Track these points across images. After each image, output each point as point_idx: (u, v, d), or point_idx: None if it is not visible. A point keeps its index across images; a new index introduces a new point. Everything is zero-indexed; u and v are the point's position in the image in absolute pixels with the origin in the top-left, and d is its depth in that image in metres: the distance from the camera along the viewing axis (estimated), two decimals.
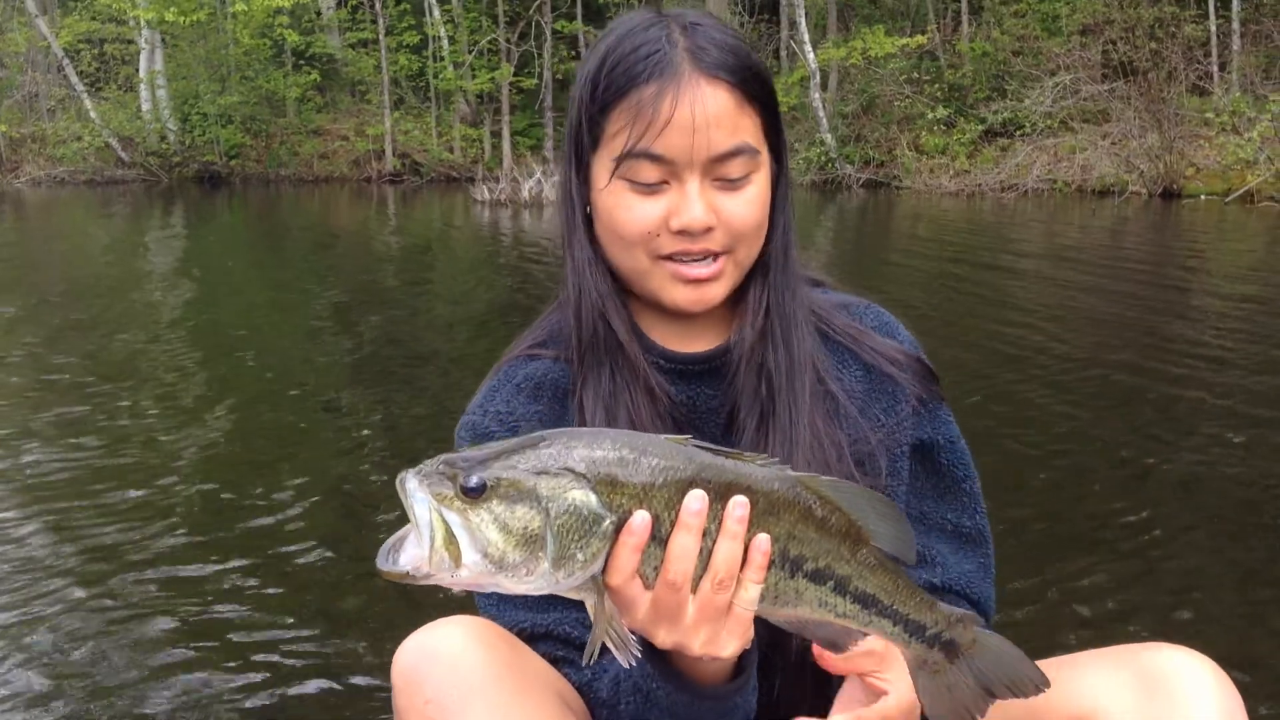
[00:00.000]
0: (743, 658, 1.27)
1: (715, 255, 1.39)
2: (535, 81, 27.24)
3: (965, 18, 24.50)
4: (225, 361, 7.26)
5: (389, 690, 1.32)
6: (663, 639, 1.16)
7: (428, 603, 3.12)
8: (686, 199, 1.36)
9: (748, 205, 1.39)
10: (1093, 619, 3.29)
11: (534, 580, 1.08)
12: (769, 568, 1.15)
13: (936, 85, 23.24)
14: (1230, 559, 3.75)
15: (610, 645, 1.13)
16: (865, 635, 1.23)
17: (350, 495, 4.51)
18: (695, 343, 1.49)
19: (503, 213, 18.73)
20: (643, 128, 1.34)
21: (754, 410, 1.43)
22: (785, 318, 1.46)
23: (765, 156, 1.42)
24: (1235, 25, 21.12)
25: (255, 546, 3.90)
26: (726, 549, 1.13)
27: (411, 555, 1.07)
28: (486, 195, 20.16)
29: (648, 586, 1.13)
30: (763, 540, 1.14)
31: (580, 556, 1.09)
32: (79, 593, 3.51)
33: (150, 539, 3.97)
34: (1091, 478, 4.62)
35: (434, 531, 1.06)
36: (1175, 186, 18.70)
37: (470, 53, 27.58)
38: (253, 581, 3.63)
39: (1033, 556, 3.73)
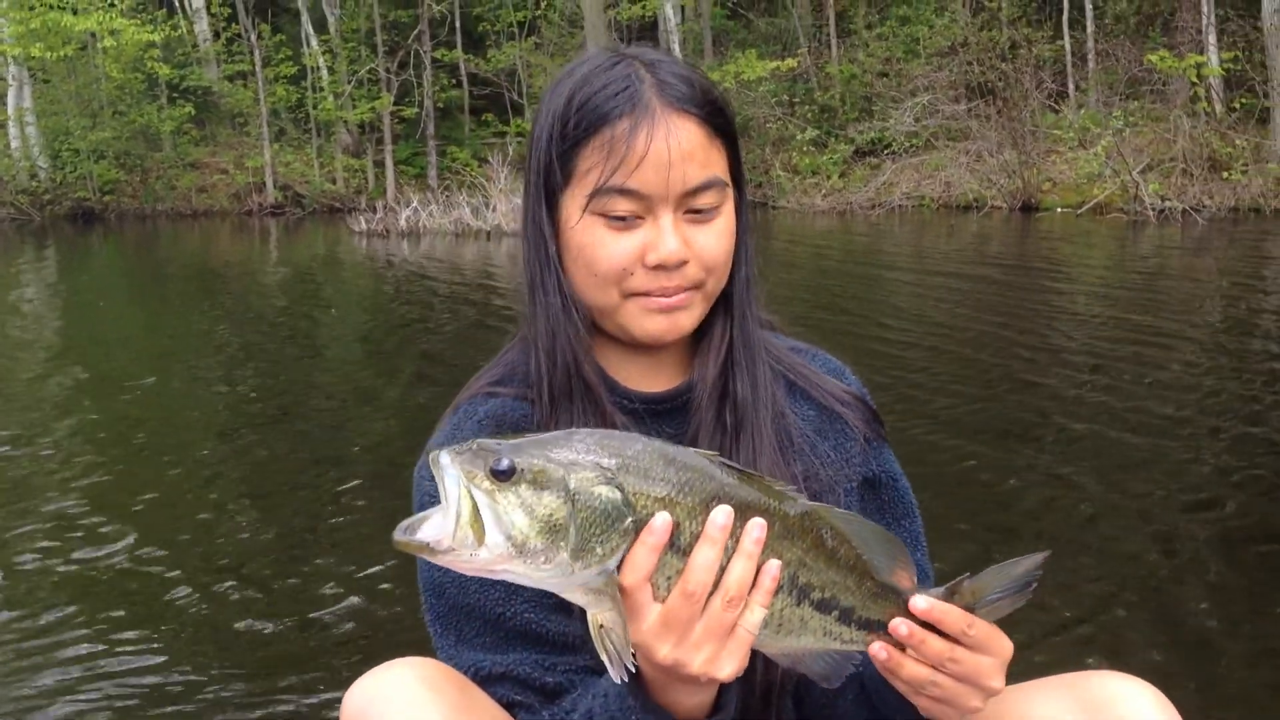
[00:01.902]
0: (722, 695, 1.28)
1: (686, 288, 1.40)
2: (416, 110, 27.29)
3: (834, 41, 25.28)
4: (108, 413, 6.99)
5: None
6: (665, 654, 1.15)
7: (377, 646, 3.19)
8: (661, 233, 1.36)
9: (719, 237, 1.40)
10: (1028, 643, 3.30)
11: (550, 570, 1.09)
12: (777, 593, 1.16)
13: (807, 107, 23.95)
14: (1148, 570, 3.91)
15: (605, 656, 1.13)
16: (857, 659, 1.26)
17: (275, 537, 4.48)
18: (656, 382, 1.49)
19: (381, 243, 18.77)
20: (616, 163, 1.34)
21: (713, 443, 1.44)
22: (750, 347, 1.47)
23: (731, 190, 1.43)
24: (1091, 44, 22.19)
25: (191, 598, 3.88)
26: (740, 568, 1.14)
27: (435, 528, 1.08)
28: (364, 226, 20.13)
29: (658, 597, 1.14)
30: (773, 565, 1.15)
31: (599, 551, 1.10)
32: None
33: (71, 595, 3.92)
34: (1011, 488, 4.85)
35: (461, 507, 1.07)
36: (1033, 200, 19.58)
37: (349, 83, 27.51)
38: (191, 633, 3.59)
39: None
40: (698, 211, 1.38)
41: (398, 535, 1.08)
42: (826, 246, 15.90)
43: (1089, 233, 16.29)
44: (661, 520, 1.11)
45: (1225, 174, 17.91)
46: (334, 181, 27.32)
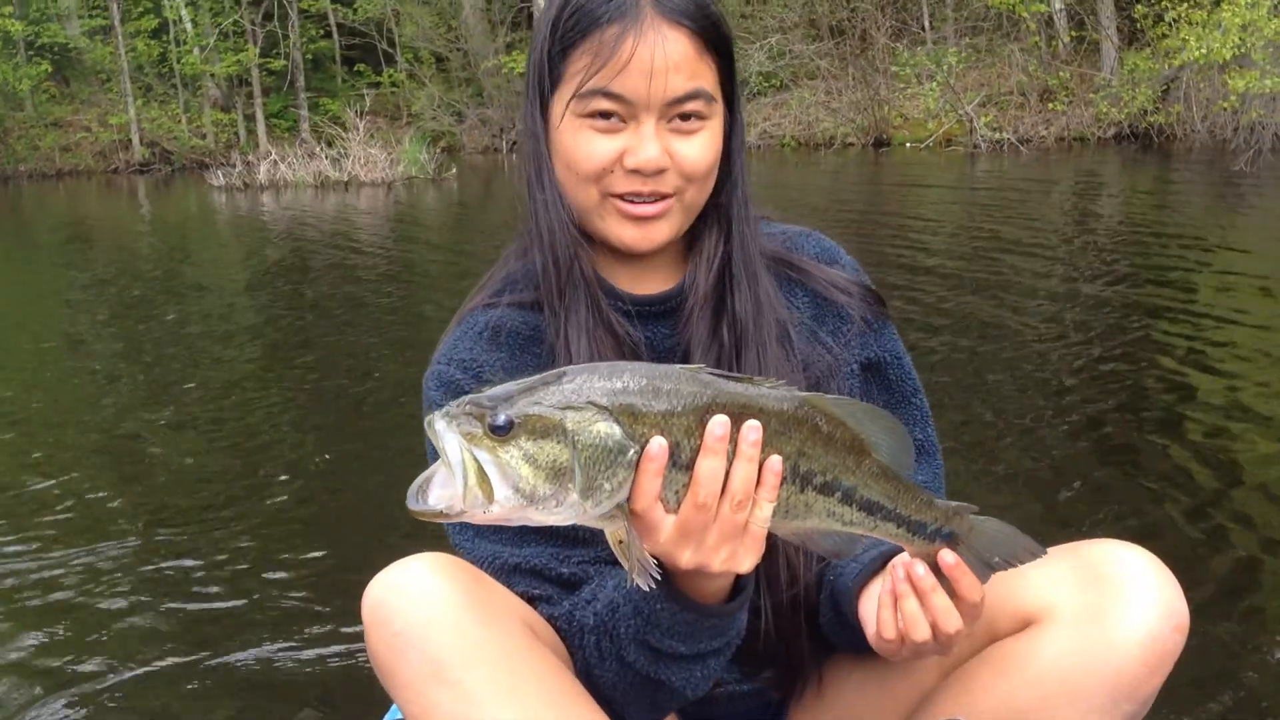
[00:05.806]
0: (740, 578, 1.32)
1: (664, 196, 1.44)
2: (285, 63, 27.07)
3: None
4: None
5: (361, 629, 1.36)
6: (687, 560, 1.21)
7: (395, 539, 3.28)
8: (642, 139, 1.40)
9: (701, 149, 1.43)
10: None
11: (563, 511, 1.13)
12: (780, 484, 1.20)
13: None
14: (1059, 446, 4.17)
15: (630, 569, 1.18)
16: (865, 540, 1.31)
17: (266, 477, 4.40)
18: (648, 285, 1.53)
19: (242, 197, 18.77)
20: (601, 66, 1.37)
21: (711, 350, 1.48)
22: (750, 264, 1.50)
23: (720, 105, 1.46)
24: None
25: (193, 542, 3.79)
26: (743, 471, 1.18)
27: (443, 494, 1.11)
28: (223, 180, 20.08)
29: (669, 510, 1.19)
30: (775, 461, 1.19)
31: (608, 486, 1.14)
32: None
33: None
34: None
35: (466, 470, 1.10)
36: (885, 136, 20.37)
37: (213, 36, 27.16)
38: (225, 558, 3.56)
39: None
40: (683, 119, 1.41)
41: (411, 504, 1.12)
42: None
43: (927, 164, 17.11)
44: (658, 445, 1.14)
45: (1051, 105, 18.81)
46: (203, 137, 27.07)
